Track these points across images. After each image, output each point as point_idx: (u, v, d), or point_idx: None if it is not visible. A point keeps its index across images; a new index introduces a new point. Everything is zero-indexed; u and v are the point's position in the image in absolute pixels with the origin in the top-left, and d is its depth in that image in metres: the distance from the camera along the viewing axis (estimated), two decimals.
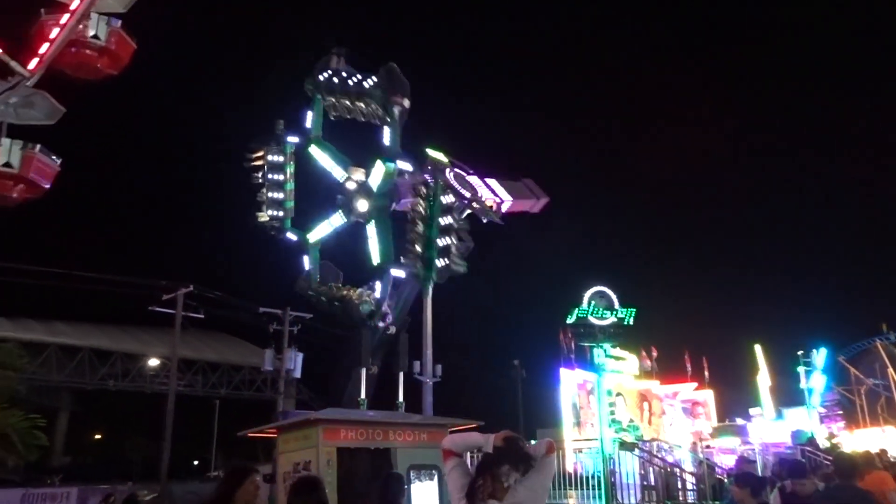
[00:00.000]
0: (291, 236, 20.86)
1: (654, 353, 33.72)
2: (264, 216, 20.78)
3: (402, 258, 19.37)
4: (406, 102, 20.10)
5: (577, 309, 31.62)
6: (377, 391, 21.59)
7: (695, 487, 18.78)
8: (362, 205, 19.96)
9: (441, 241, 18.40)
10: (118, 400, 54.06)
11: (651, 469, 19.56)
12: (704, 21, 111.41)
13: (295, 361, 31.52)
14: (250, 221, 21.10)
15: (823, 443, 27.40)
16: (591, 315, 31.35)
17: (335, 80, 20.19)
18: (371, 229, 20.03)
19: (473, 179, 21.36)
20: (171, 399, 31.91)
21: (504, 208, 21.50)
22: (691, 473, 20.08)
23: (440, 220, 18.29)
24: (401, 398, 20.61)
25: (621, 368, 31.36)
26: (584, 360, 31.17)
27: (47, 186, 17.42)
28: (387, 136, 20.32)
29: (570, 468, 20.82)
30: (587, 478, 19.04)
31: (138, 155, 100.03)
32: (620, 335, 32.06)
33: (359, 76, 20.01)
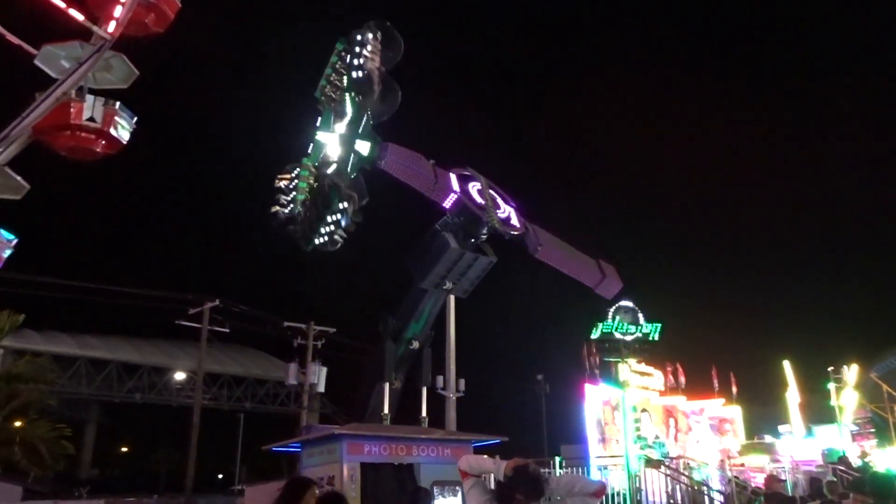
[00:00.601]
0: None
1: (681, 369, 33.28)
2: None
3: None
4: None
5: (601, 324, 31.40)
6: (400, 406, 21.57)
7: None
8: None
9: None
10: (145, 413, 54.73)
11: (678, 487, 19.26)
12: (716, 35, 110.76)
13: (319, 375, 31.64)
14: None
15: (855, 461, 26.77)
16: (616, 330, 31.13)
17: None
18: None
19: (509, 209, 21.41)
20: (196, 412, 32.18)
21: (546, 257, 21.48)
22: (719, 492, 19.73)
23: None
24: (424, 413, 20.57)
25: (647, 384, 30.98)
26: (608, 376, 30.87)
27: (125, 142, 18.16)
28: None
29: None
30: (612, 496, 18.79)
31: (167, 170, 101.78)
32: (646, 350, 31.77)
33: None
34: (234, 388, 52.64)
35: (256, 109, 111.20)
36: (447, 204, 19.71)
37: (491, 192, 20.89)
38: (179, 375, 50.05)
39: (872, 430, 37.49)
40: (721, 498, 19.04)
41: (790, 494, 16.67)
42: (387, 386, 19.64)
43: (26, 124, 15.49)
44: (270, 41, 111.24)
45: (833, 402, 34.64)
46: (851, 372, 36.12)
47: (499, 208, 20.68)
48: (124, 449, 64.76)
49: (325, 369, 32.05)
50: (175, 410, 50.10)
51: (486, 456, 4.35)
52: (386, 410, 19.37)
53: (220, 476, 60.13)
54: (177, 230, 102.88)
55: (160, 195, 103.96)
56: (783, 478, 19.33)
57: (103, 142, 17.77)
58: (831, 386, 35.09)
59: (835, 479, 17.06)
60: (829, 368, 35.90)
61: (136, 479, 55.45)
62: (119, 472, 58.13)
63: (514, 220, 21.07)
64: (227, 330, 34.01)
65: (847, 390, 35.22)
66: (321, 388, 32.61)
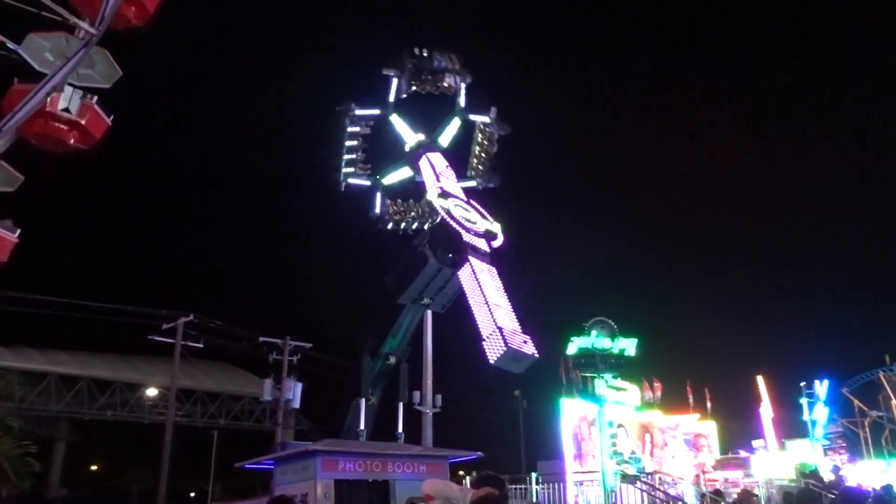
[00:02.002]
0: (363, 182, 23.71)
1: (657, 384, 33.47)
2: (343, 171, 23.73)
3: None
4: (468, 75, 24.89)
5: (578, 339, 31.47)
6: (377, 422, 21.44)
7: None
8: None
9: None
10: (116, 430, 53.66)
11: (654, 502, 19.33)
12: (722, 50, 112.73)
13: (294, 391, 31.31)
14: (329, 177, 23.90)
15: (827, 475, 27.07)
16: (593, 346, 31.19)
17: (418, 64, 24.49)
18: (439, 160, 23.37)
19: (470, 208, 21.63)
20: (168, 429, 31.64)
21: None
22: None
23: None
24: (400, 429, 20.46)
25: (623, 399, 31.07)
26: (585, 391, 30.90)
27: (98, 137, 17.83)
28: (462, 97, 24.67)
29: (570, 500, 20.57)
30: None
31: (140, 184, 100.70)
32: (622, 366, 31.83)
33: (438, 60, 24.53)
34: (208, 404, 51.85)
35: (234, 122, 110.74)
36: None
37: (471, 206, 20.99)
38: (152, 392, 49.18)
39: (844, 444, 38.03)
40: None
41: None
42: (363, 402, 19.52)
43: (17, 121, 15.17)
44: (239, 42, 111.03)
45: (805, 416, 35.09)
46: (823, 387, 36.64)
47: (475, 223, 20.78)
48: (94, 467, 63.39)
49: (300, 385, 31.73)
50: (147, 427, 49.19)
51: (452, 483, 4.29)
52: (362, 426, 19.25)
53: (193, 494, 59.09)
54: (150, 244, 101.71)
55: (133, 209, 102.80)
56: (756, 492, 19.48)
57: (77, 134, 17.45)
58: (804, 401, 35.57)
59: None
60: (802, 384, 36.40)
61: (106, 499, 54.30)
62: (89, 492, 56.82)
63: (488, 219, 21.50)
64: (202, 345, 33.60)
65: (819, 405, 35.70)
66: (297, 405, 32.25)
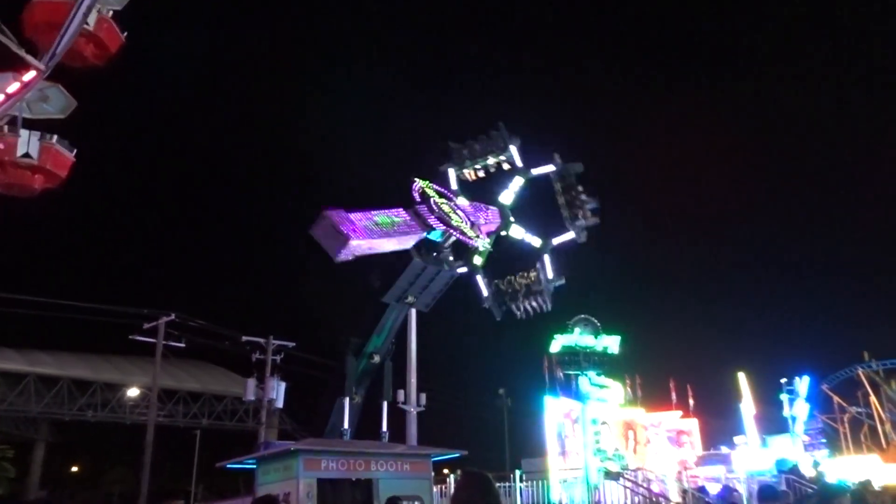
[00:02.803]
0: (461, 270, 22.46)
1: (639, 382, 33.69)
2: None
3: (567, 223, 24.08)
4: (517, 139, 24.70)
5: (561, 336, 31.59)
6: (361, 421, 21.36)
7: None
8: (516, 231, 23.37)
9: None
10: (97, 431, 53.14)
11: (636, 498, 19.45)
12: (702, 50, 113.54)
13: (277, 391, 31.17)
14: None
15: (808, 471, 27.38)
16: (576, 344, 31.35)
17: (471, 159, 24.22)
18: (516, 231, 23.34)
19: (458, 204, 21.55)
20: (150, 430, 31.38)
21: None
22: (677, 503, 19.99)
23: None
24: (384, 428, 20.40)
25: (606, 397, 31.26)
26: (569, 389, 31.05)
27: (64, 176, 17.62)
28: (518, 160, 24.34)
29: (554, 497, 20.65)
30: None
31: (119, 180, 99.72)
32: (605, 363, 32.06)
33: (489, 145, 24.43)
34: (190, 404, 51.47)
35: (214, 116, 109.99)
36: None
37: (443, 198, 20.92)
38: (133, 392, 48.73)
39: (824, 440, 38.50)
40: None
41: None
42: (347, 401, 19.45)
43: None
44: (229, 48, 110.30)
45: (786, 413, 35.47)
46: (803, 384, 37.05)
47: (457, 215, 20.74)
48: (75, 469, 62.73)
49: (284, 384, 31.59)
50: (129, 428, 48.75)
51: None
52: (346, 425, 19.16)
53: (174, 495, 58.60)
54: (131, 242, 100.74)
55: (113, 206, 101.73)
56: (737, 488, 19.66)
57: (41, 177, 17.20)
58: (784, 397, 35.94)
59: (787, 490, 17.43)
60: (783, 380, 36.77)
61: (87, 500, 53.74)
62: (69, 493, 56.22)
63: (478, 219, 21.50)
64: (184, 345, 33.37)
65: (799, 401, 36.09)
66: (280, 404, 32.11)
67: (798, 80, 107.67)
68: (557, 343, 31.80)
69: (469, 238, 20.10)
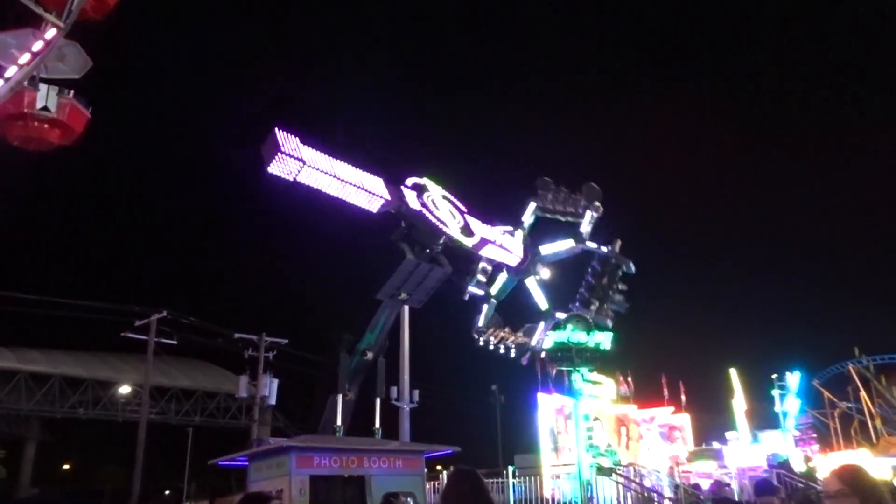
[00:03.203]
0: (477, 291, 23.15)
1: (631, 378, 33.78)
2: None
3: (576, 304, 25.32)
4: (600, 208, 25.92)
5: (554, 333, 31.60)
6: (354, 417, 21.36)
7: None
8: (545, 272, 24.75)
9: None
10: (89, 429, 52.90)
11: (629, 494, 19.51)
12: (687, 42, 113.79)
13: (270, 388, 31.12)
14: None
15: (799, 466, 27.56)
16: (569, 340, 31.37)
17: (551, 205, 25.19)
18: (532, 284, 24.52)
19: (460, 217, 21.57)
20: (142, 427, 31.27)
21: (488, 252, 22.72)
22: (669, 499, 20.06)
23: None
24: (377, 424, 20.40)
25: (599, 393, 31.31)
26: (561, 385, 31.07)
27: (80, 131, 17.73)
28: (585, 226, 25.59)
29: (547, 494, 20.69)
30: (565, 503, 18.96)
31: (110, 176, 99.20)
32: (598, 360, 32.09)
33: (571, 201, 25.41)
34: (182, 401, 51.29)
35: (205, 113, 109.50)
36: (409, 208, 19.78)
37: (447, 202, 20.98)
38: (125, 389, 48.53)
39: (814, 435, 38.74)
40: None
41: (737, 499, 17.03)
42: (340, 397, 19.44)
43: None
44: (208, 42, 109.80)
45: (777, 408, 35.66)
46: (794, 379, 37.25)
47: (454, 218, 20.79)
48: (66, 466, 62.47)
49: (276, 381, 31.53)
50: (121, 426, 48.54)
51: None
52: (339, 422, 19.17)
53: (168, 493, 58.51)
54: (123, 239, 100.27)
55: (105, 202, 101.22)
56: (729, 483, 19.74)
57: (58, 132, 17.34)
58: (775, 393, 36.14)
59: (778, 485, 17.51)
60: (774, 376, 36.96)
61: (79, 498, 53.53)
62: (61, 491, 55.98)
63: (475, 229, 21.45)
64: (176, 342, 33.22)
65: (790, 397, 36.30)
66: (272, 401, 32.05)
67: (788, 79, 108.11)
68: (550, 339, 31.82)
69: (448, 231, 20.11)
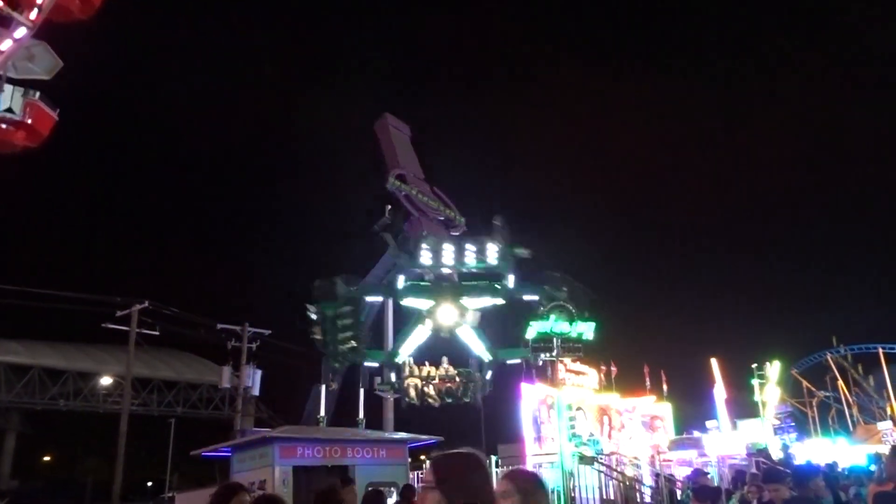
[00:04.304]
0: (372, 363, 20.75)
1: (614, 368, 34.03)
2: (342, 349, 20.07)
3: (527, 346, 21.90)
4: (526, 252, 22.54)
5: (537, 322, 31.72)
6: (338, 408, 21.37)
7: (651, 500, 18.99)
8: (458, 322, 21.32)
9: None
10: (69, 420, 52.50)
11: (610, 483, 19.70)
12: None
13: (253, 378, 31.02)
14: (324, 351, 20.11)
15: (776, 454, 27.96)
16: (552, 330, 31.51)
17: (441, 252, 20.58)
18: (467, 334, 21.53)
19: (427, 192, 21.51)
20: (124, 419, 31.06)
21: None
22: (650, 487, 20.29)
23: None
24: (361, 414, 20.41)
25: (581, 383, 31.54)
26: (544, 375, 31.25)
27: (46, 134, 17.40)
28: (511, 281, 22.25)
29: None
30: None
31: (89, 163, 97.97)
32: (580, 349, 32.28)
33: (474, 252, 20.88)
34: (164, 392, 50.99)
35: (186, 98, 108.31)
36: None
37: (416, 188, 20.93)
38: (106, 381, 48.15)
39: (793, 424, 39.33)
40: (650, 492, 19.58)
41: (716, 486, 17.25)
42: (323, 388, 19.43)
43: None
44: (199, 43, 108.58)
45: (757, 397, 36.14)
46: (774, 368, 37.75)
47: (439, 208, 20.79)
48: (47, 458, 61.93)
49: (259, 372, 31.44)
50: (102, 417, 48.18)
51: None
52: (323, 413, 19.17)
53: (151, 484, 58.23)
54: (103, 229, 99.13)
55: (83, 190, 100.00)
56: (708, 471, 20.00)
57: (23, 133, 17.01)
58: (755, 382, 36.61)
59: (757, 472, 17.76)
60: (753, 365, 37.43)
61: (60, 490, 53.10)
62: (41, 483, 55.50)
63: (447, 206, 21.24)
64: (157, 333, 32.97)
65: (769, 386, 36.79)
66: (256, 392, 31.97)
67: (766, 64, 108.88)
68: (533, 329, 31.91)
69: (435, 210, 20.04)
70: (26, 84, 17.32)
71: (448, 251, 19.90)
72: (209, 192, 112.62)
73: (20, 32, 14.88)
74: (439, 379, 20.47)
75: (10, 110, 16.64)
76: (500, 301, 21.77)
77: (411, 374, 20.42)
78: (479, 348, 21.59)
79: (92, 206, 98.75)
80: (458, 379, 21.08)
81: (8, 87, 16.60)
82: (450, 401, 20.49)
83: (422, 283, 20.54)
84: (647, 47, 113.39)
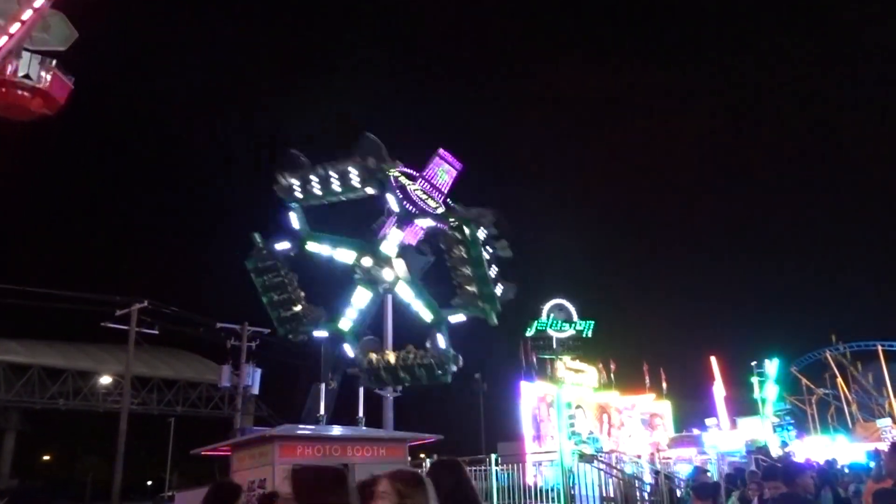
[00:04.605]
0: (320, 333, 19.29)
1: (613, 366, 34.10)
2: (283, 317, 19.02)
3: (457, 301, 18.15)
4: (398, 164, 19.05)
5: (536, 322, 31.84)
6: (337, 406, 21.33)
7: (651, 499, 19.01)
8: (388, 273, 18.88)
9: (491, 273, 17.66)
10: (69, 419, 52.52)
11: (610, 480, 19.71)
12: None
13: (253, 377, 31.03)
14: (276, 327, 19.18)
15: (776, 451, 28.01)
16: (551, 328, 31.63)
17: (310, 183, 18.70)
18: (406, 292, 19.00)
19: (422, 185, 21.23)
20: (123, 418, 31.06)
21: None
22: (650, 485, 20.30)
23: (483, 254, 17.49)
24: (361, 413, 20.39)
25: (581, 381, 31.62)
26: (544, 373, 31.35)
27: (62, 101, 17.51)
28: (392, 202, 19.13)
29: (529, 481, 20.86)
30: (547, 490, 19.12)
31: (92, 167, 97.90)
32: (579, 348, 32.39)
33: (333, 172, 18.56)
34: (164, 391, 51.01)
35: (186, 97, 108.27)
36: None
37: (412, 182, 20.75)
38: (106, 380, 48.16)
39: (792, 421, 39.41)
40: (649, 490, 19.61)
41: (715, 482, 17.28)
42: (323, 386, 19.38)
43: None
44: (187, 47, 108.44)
45: (756, 395, 36.22)
46: (773, 366, 37.83)
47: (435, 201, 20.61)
48: (47, 457, 61.97)
49: (259, 371, 31.45)
50: (102, 416, 48.21)
51: None
52: (322, 411, 19.11)
53: (150, 483, 58.28)
54: (102, 228, 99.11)
55: (83, 189, 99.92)
56: (708, 469, 20.03)
57: (40, 100, 17.13)
58: (754, 380, 36.69)
59: (756, 470, 17.78)
60: (753, 363, 37.51)
61: (60, 489, 53.14)
62: (41, 482, 55.54)
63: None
64: (157, 332, 32.96)
65: (769, 384, 36.87)
66: (255, 391, 31.98)
67: (766, 61, 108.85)
68: (532, 328, 32.05)
69: (428, 207, 19.64)
70: (43, 54, 17.43)
71: (315, 182, 17.97)
72: (209, 191, 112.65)
73: (39, 1, 14.91)
74: (397, 358, 18.59)
75: (27, 77, 16.80)
76: (399, 236, 18.89)
77: (373, 352, 18.63)
78: (419, 307, 18.74)
79: (91, 205, 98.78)
80: (415, 355, 18.33)
81: (25, 55, 16.71)
82: (407, 378, 18.54)
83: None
84: (645, 44, 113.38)
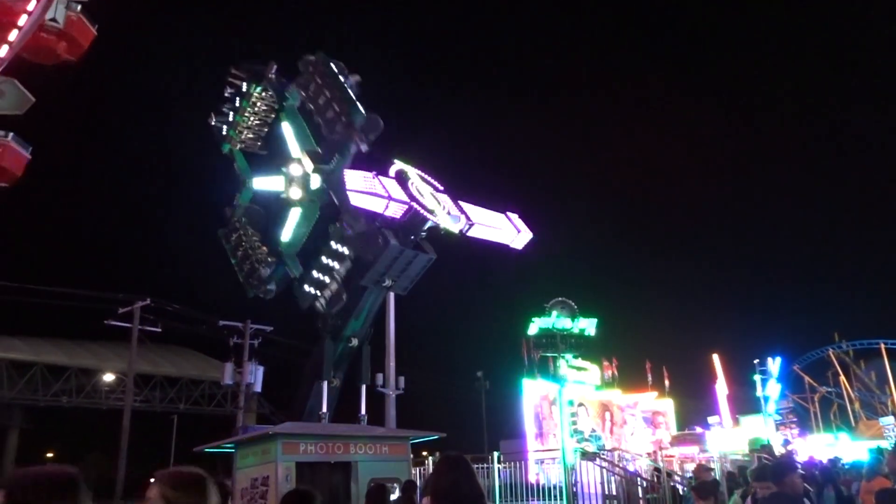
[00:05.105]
0: (267, 271, 19.16)
1: (615, 364, 34.11)
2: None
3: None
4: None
5: (539, 319, 31.88)
6: (339, 404, 21.35)
7: (653, 496, 19.01)
8: (295, 192, 18.93)
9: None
10: (72, 417, 52.60)
11: (612, 479, 19.71)
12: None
13: (255, 375, 31.09)
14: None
15: (779, 450, 27.99)
16: (554, 326, 31.65)
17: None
18: (294, 213, 18.89)
19: (443, 197, 21.30)
20: (126, 415, 31.16)
21: (477, 233, 20.76)
22: (651, 483, 20.29)
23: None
24: (363, 411, 20.44)
25: (583, 379, 31.65)
26: (546, 371, 31.39)
27: (86, 46, 17.98)
28: (288, 134, 18.74)
29: (532, 479, 20.88)
30: (549, 488, 19.14)
31: (93, 164, 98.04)
32: (582, 346, 32.43)
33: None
34: (167, 389, 51.11)
35: (180, 98, 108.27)
36: (398, 215, 19.23)
37: (426, 184, 20.78)
38: (109, 377, 48.27)
39: (795, 419, 39.41)
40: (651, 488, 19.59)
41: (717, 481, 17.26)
42: (325, 384, 19.42)
43: (24, 34, 15.18)
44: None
45: (759, 393, 36.21)
46: (776, 364, 37.82)
47: (439, 203, 20.62)
48: (50, 455, 62.11)
49: (261, 368, 31.50)
50: (104, 414, 48.29)
51: None
52: (324, 409, 19.14)
53: (153, 480, 58.39)
54: (105, 225, 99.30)
55: (85, 187, 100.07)
56: (711, 467, 20.01)
57: (65, 44, 17.61)
58: (757, 378, 36.68)
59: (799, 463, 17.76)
60: (756, 361, 37.50)
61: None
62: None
63: (455, 211, 20.87)
64: (160, 329, 33.09)
65: (771, 382, 36.86)
66: (258, 388, 32.03)
67: (771, 63, 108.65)
68: (535, 326, 32.08)
69: (437, 219, 19.67)
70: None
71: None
72: (209, 190, 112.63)
73: None
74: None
75: (54, 20, 17.23)
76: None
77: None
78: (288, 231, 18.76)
79: (94, 203, 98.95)
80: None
81: None
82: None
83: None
84: (646, 44, 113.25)
